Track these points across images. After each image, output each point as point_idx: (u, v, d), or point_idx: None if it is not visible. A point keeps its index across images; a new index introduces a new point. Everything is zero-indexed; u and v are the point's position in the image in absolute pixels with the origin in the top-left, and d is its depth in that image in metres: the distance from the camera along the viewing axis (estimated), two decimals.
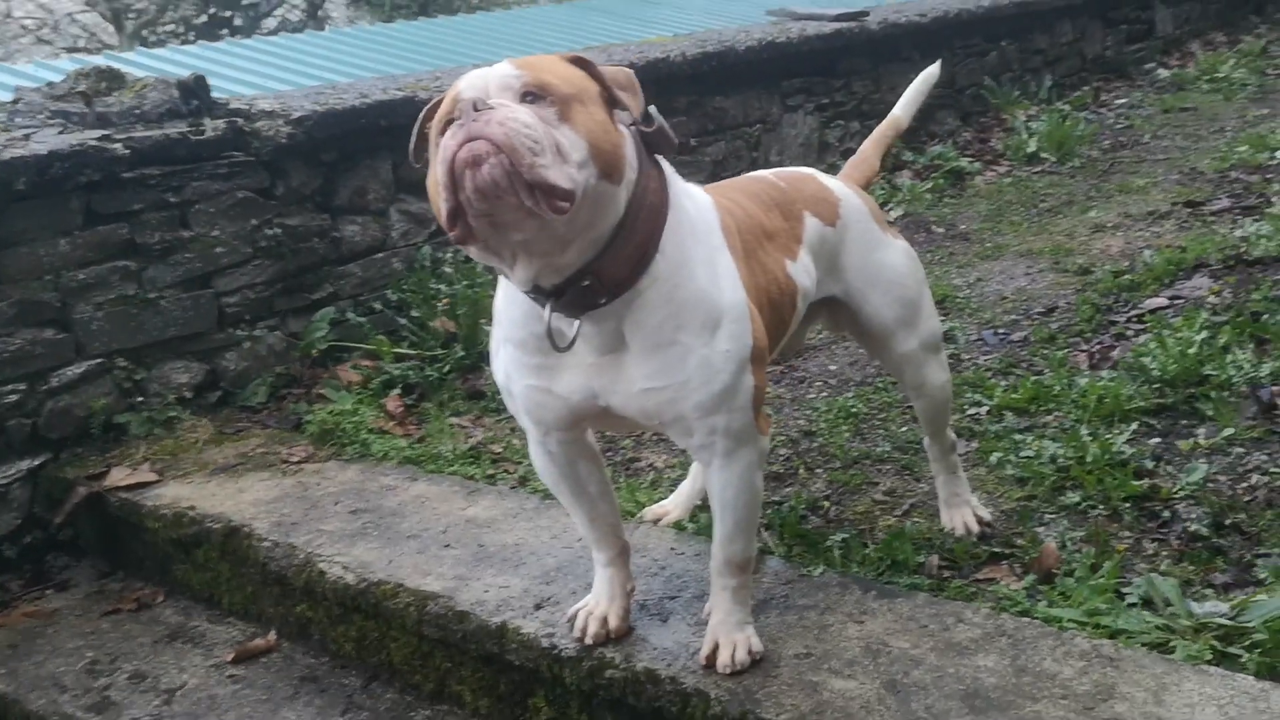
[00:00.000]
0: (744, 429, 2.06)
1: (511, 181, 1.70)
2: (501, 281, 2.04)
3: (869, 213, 2.55)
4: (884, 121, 2.89)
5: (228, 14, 18.02)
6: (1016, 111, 7.14)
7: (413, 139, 1.98)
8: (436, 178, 1.77)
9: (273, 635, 2.92)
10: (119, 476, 3.33)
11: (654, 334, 1.96)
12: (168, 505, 3.17)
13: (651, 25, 7.86)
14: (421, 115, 1.96)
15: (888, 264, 2.53)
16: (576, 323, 1.94)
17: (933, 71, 2.85)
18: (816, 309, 2.52)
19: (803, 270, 2.32)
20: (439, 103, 1.88)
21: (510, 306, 2.03)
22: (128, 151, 3.52)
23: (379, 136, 4.19)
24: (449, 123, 1.76)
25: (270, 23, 18.33)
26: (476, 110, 1.72)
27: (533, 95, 1.79)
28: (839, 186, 2.56)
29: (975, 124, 7.15)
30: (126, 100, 3.79)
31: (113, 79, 3.96)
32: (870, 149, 2.83)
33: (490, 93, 1.78)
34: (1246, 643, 2.12)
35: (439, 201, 1.78)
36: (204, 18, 17.64)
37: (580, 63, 1.89)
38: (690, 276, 1.97)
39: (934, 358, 2.62)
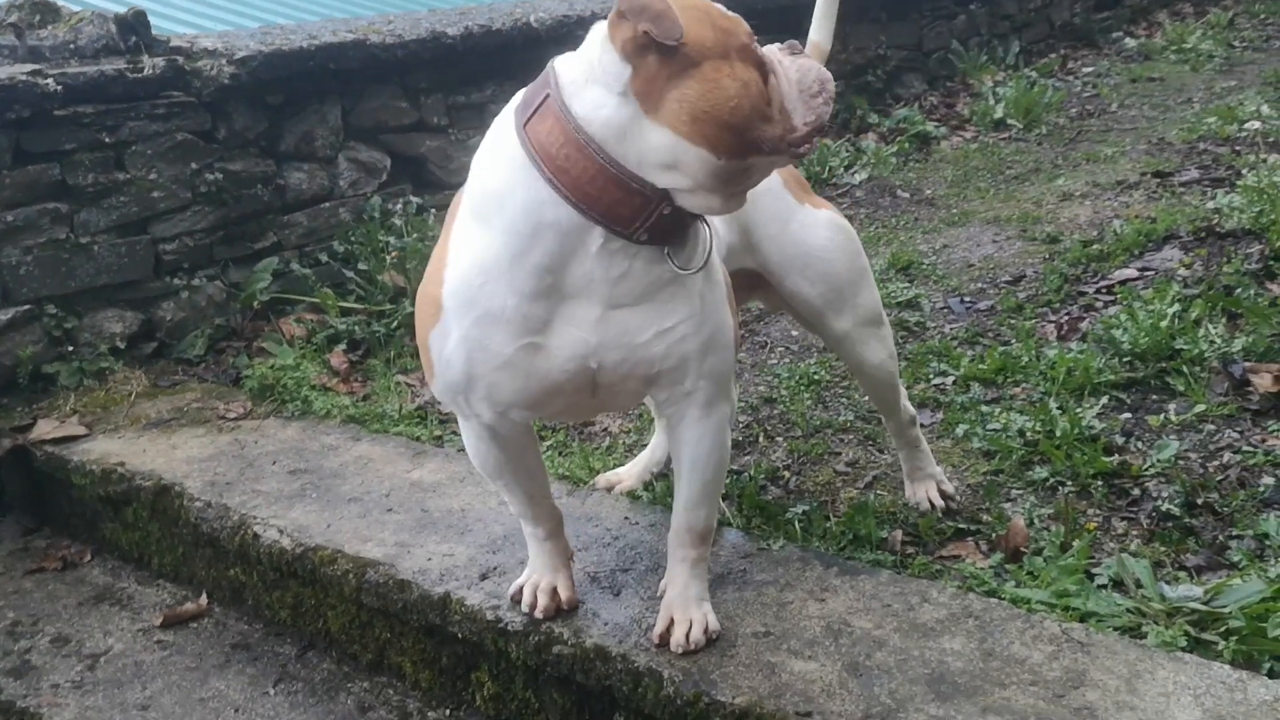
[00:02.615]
0: (727, 373, 2.02)
1: None
2: (483, 247, 1.84)
3: (782, 182, 2.34)
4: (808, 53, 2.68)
5: None
6: (984, 77, 7.04)
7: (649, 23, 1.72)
8: (795, 92, 1.81)
9: (204, 599, 2.79)
10: (46, 429, 3.18)
11: (666, 278, 1.86)
12: (96, 460, 3.01)
13: None
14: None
15: (808, 238, 2.34)
16: (625, 265, 1.82)
17: None
18: (744, 285, 2.36)
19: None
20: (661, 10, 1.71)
21: (527, 255, 1.80)
22: (60, 88, 3.34)
23: (328, 80, 4.02)
24: (738, 49, 1.77)
25: None
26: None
27: None
28: None
29: (942, 88, 7.05)
30: (61, 34, 3.60)
31: (47, 12, 3.76)
32: None
33: None
34: (1222, 629, 2.04)
35: (805, 114, 1.82)
36: None
37: None
38: None
39: (872, 335, 2.45)
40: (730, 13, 1.83)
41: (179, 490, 2.83)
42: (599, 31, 1.79)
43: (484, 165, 1.87)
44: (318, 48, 3.95)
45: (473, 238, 1.86)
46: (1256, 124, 5.42)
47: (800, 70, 1.83)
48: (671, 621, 2.08)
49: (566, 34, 4.32)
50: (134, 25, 3.66)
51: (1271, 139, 5.17)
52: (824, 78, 1.84)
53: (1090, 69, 7.60)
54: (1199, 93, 6.65)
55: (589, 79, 1.77)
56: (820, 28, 2.49)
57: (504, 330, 1.85)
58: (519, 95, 1.88)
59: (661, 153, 1.74)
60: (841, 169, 5.64)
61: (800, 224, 2.34)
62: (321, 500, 2.74)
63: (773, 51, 1.86)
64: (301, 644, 2.61)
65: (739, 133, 1.75)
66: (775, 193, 2.31)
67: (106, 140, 3.46)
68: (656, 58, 1.71)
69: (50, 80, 3.31)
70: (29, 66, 3.39)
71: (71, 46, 3.55)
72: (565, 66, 1.81)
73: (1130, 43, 8.23)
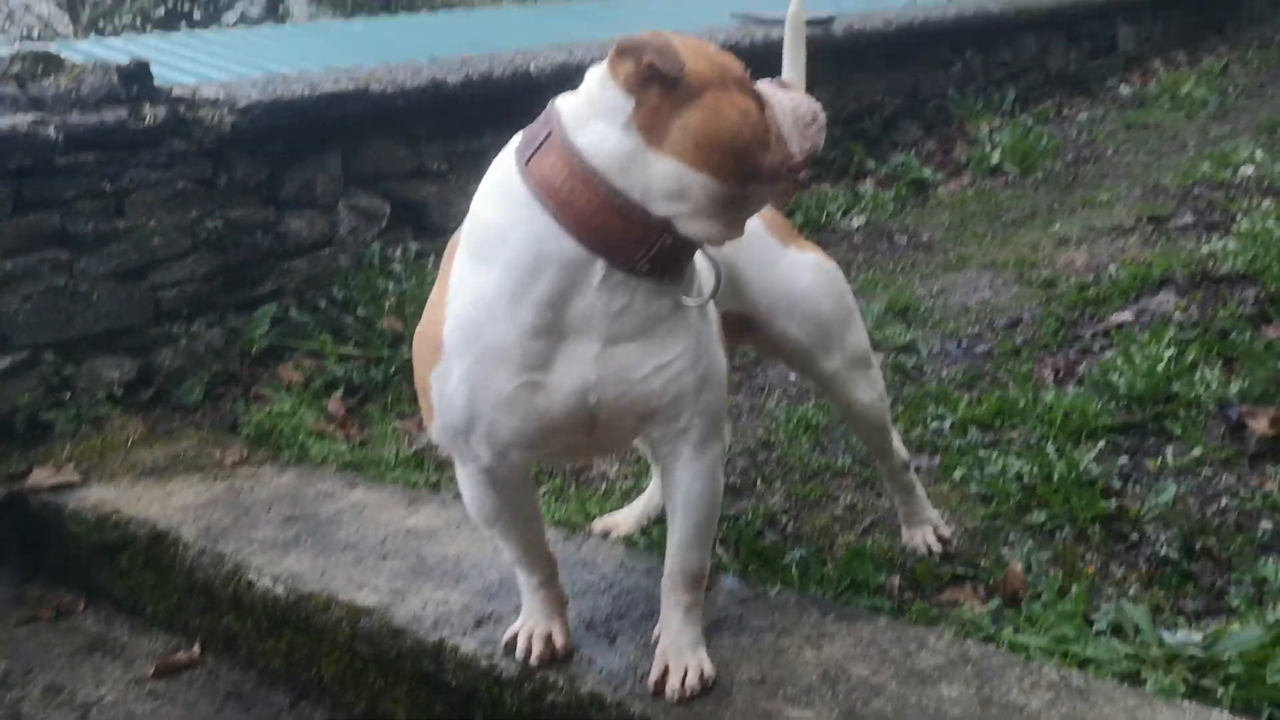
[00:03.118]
0: (721, 410, 2.03)
1: None
2: (481, 283, 1.85)
3: (765, 225, 2.35)
4: None
5: (186, 7, 17.78)
6: (980, 123, 7.08)
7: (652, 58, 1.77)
8: (791, 121, 1.87)
9: (197, 648, 2.76)
10: (41, 477, 3.17)
11: (667, 313, 1.90)
12: (91, 508, 3.01)
13: (614, 28, 7.74)
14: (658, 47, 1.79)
15: (794, 280, 2.36)
16: (626, 299, 1.84)
17: (795, 11, 2.49)
18: (733, 329, 2.33)
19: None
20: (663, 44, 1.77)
21: (529, 289, 1.81)
22: (61, 137, 3.37)
23: (329, 128, 4.05)
24: (735, 81, 1.83)
25: (230, 17, 18.10)
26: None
27: None
28: None
29: (938, 134, 7.09)
30: (63, 84, 3.63)
31: (50, 63, 3.81)
32: None
33: None
34: (1221, 675, 2.02)
35: (801, 142, 1.87)
36: (161, 10, 17.39)
37: None
38: None
39: (861, 376, 2.45)
40: (723, 51, 1.89)
41: (173, 537, 2.82)
42: (598, 70, 1.84)
43: (484, 204, 1.89)
44: (319, 97, 3.98)
45: (473, 276, 1.87)
46: (1250, 169, 5.44)
47: (794, 101, 1.90)
48: (666, 669, 2.06)
49: (565, 82, 4.30)
50: (136, 75, 3.68)
51: (1266, 184, 5.19)
52: (816, 109, 1.91)
53: (1085, 115, 7.65)
54: (1193, 139, 6.69)
55: (591, 115, 1.81)
56: (792, 68, 2.52)
57: (506, 367, 1.86)
58: (518, 136, 1.91)
59: (665, 181, 1.78)
60: (839, 214, 5.66)
61: (786, 266, 2.36)
62: (316, 547, 2.73)
63: (765, 85, 1.93)
64: (294, 693, 2.59)
65: (740, 158, 1.80)
66: (760, 236, 2.32)
67: (107, 188, 3.48)
68: (659, 90, 1.76)
69: (51, 129, 3.34)
70: (31, 116, 3.41)
71: (74, 96, 3.58)
72: (567, 104, 1.86)
73: (1125, 90, 8.28)
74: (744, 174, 1.82)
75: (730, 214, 1.87)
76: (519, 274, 1.82)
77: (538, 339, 1.85)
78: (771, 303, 2.35)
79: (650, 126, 1.78)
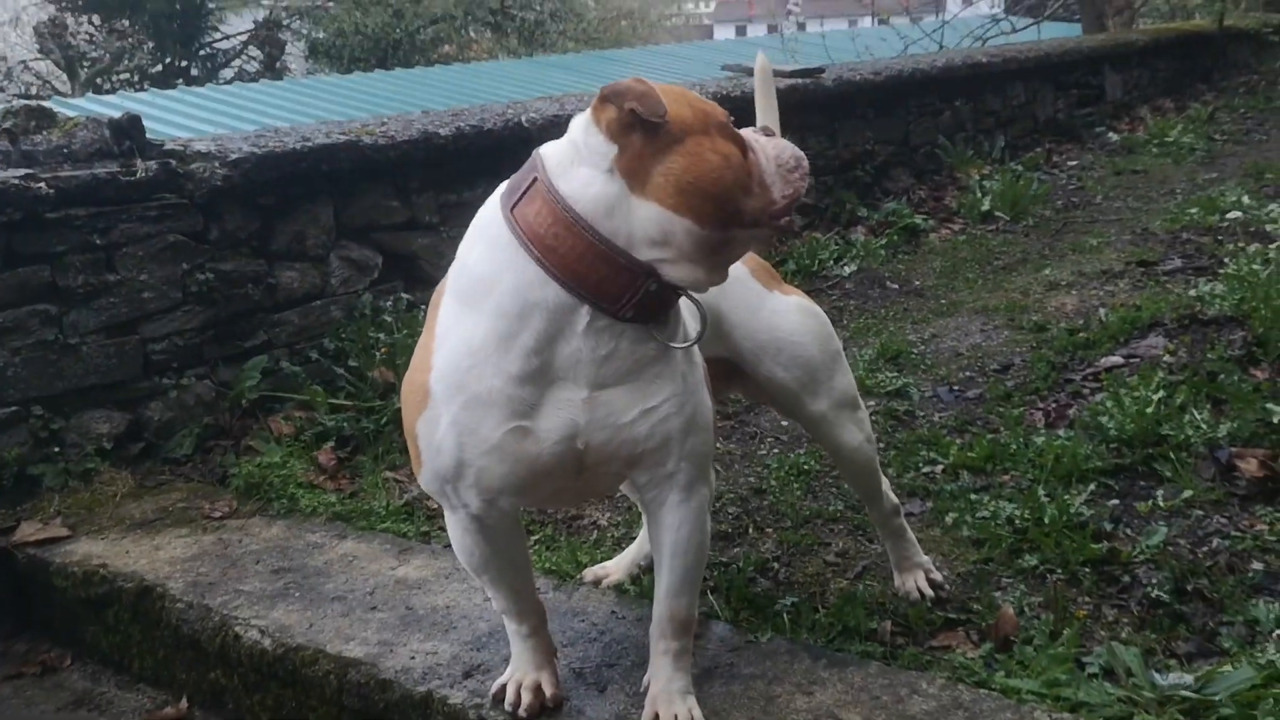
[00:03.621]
0: (707, 454, 2.03)
1: None
2: (469, 329, 1.86)
3: (749, 271, 2.38)
4: None
5: (184, 64, 17.93)
6: (970, 171, 7.14)
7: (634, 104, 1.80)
8: (773, 167, 1.91)
9: (184, 703, 2.73)
10: (29, 531, 3.15)
11: (652, 357, 1.90)
12: (78, 563, 2.99)
13: (608, 81, 7.82)
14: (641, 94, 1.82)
15: (778, 324, 2.37)
16: (612, 344, 1.86)
17: (763, 63, 2.58)
18: (721, 375, 2.37)
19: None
20: (645, 91, 1.80)
21: (517, 336, 1.83)
22: (52, 191, 3.38)
23: (320, 180, 4.07)
24: (718, 126, 1.86)
25: (228, 73, 18.26)
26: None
27: None
28: None
29: (929, 182, 7.14)
30: (55, 139, 3.65)
31: (42, 117, 3.82)
32: None
33: None
34: (1213, 717, 2.00)
35: (783, 188, 1.91)
36: (159, 67, 17.54)
37: None
38: None
39: (849, 418, 2.45)
40: (707, 99, 1.91)
41: (160, 591, 2.80)
42: (581, 118, 1.87)
43: (470, 251, 1.91)
44: (310, 149, 4.00)
45: (460, 322, 1.89)
46: (1238, 214, 5.49)
47: (777, 148, 1.93)
48: (656, 717, 2.05)
49: (557, 133, 4.31)
50: (128, 130, 3.70)
51: (1252, 228, 5.23)
52: (799, 155, 1.94)
53: (1075, 162, 7.72)
54: (1181, 184, 6.74)
55: (575, 161, 1.84)
56: (765, 116, 2.54)
57: (493, 414, 1.87)
58: (503, 185, 1.93)
59: (649, 225, 1.80)
60: (831, 261, 5.69)
61: (770, 310, 2.37)
62: (304, 599, 2.71)
63: (749, 132, 1.96)
64: None
65: (722, 203, 1.82)
66: (743, 281, 2.33)
67: (98, 242, 3.49)
68: (641, 135, 1.79)
69: (43, 184, 3.35)
70: (22, 171, 3.43)
71: (65, 151, 3.60)
72: (551, 151, 1.89)
73: (1114, 137, 8.36)
74: (726, 219, 1.84)
75: (714, 259, 1.88)
76: (506, 321, 1.84)
77: (525, 385, 1.85)
78: (757, 346, 2.36)
79: (633, 172, 1.80)
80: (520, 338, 1.83)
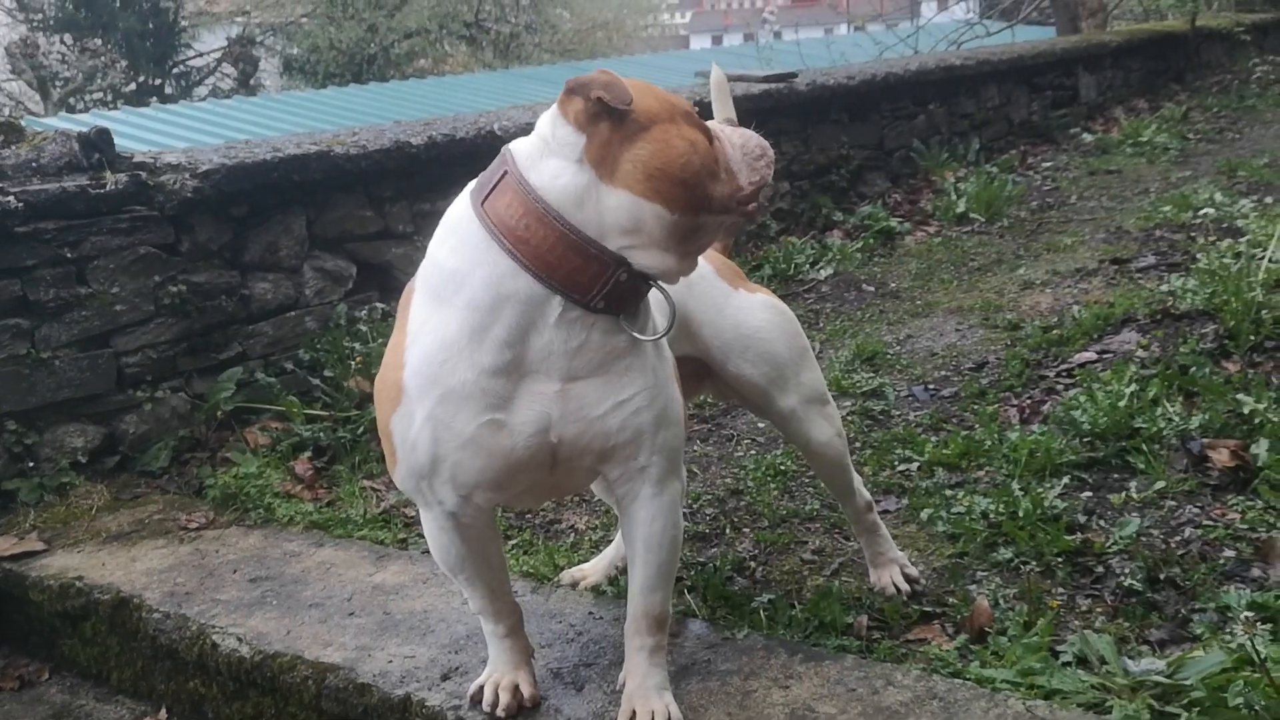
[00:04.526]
0: (677, 450, 2.05)
1: None
2: (442, 324, 1.87)
3: (714, 270, 2.39)
4: None
5: (157, 82, 17.87)
6: (945, 173, 7.17)
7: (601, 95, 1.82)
8: (739, 155, 1.94)
9: (163, 714, 2.73)
10: (3, 546, 3.14)
11: (623, 353, 1.92)
12: (54, 576, 2.97)
13: None
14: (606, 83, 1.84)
15: (745, 321, 2.39)
16: (583, 336, 1.87)
17: (717, 73, 2.56)
18: (691, 375, 2.38)
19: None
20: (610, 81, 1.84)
21: (489, 329, 1.84)
22: (21, 205, 3.37)
23: (292, 191, 4.06)
24: (684, 114, 1.89)
25: (202, 91, 18.21)
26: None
27: None
28: None
29: (904, 185, 7.17)
30: (23, 153, 3.64)
31: (11, 131, 3.82)
32: None
33: None
34: (1184, 701, 2.01)
35: (750, 175, 1.93)
36: (133, 86, 17.47)
37: None
38: None
39: (817, 412, 2.46)
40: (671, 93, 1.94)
41: (137, 602, 2.79)
42: (549, 113, 1.89)
43: (441, 248, 1.92)
44: (281, 159, 4.00)
45: (432, 318, 1.90)
46: (1210, 210, 5.52)
47: (743, 136, 1.98)
48: (633, 714, 2.05)
49: None
50: (97, 143, 3.70)
51: (1225, 224, 5.26)
52: (764, 144, 1.98)
53: (1049, 163, 7.75)
54: (1155, 183, 6.78)
55: (544, 154, 1.86)
56: (722, 114, 2.56)
57: (468, 407, 1.88)
58: (472, 182, 1.94)
59: (619, 213, 1.82)
60: (807, 265, 5.70)
61: (736, 308, 2.39)
62: (282, 607, 2.71)
63: (713, 123, 2.00)
64: None
65: (690, 188, 1.85)
66: (709, 280, 2.36)
67: (68, 255, 3.48)
68: (608, 124, 1.82)
69: (11, 198, 3.35)
70: None
71: (34, 165, 3.59)
72: (520, 146, 1.91)
73: (1088, 137, 8.40)
74: (696, 204, 1.87)
75: (684, 246, 1.90)
76: (478, 314, 1.85)
77: (498, 378, 1.87)
78: (724, 344, 2.37)
79: (602, 161, 1.82)
80: (493, 330, 1.85)
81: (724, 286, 2.40)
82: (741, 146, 1.96)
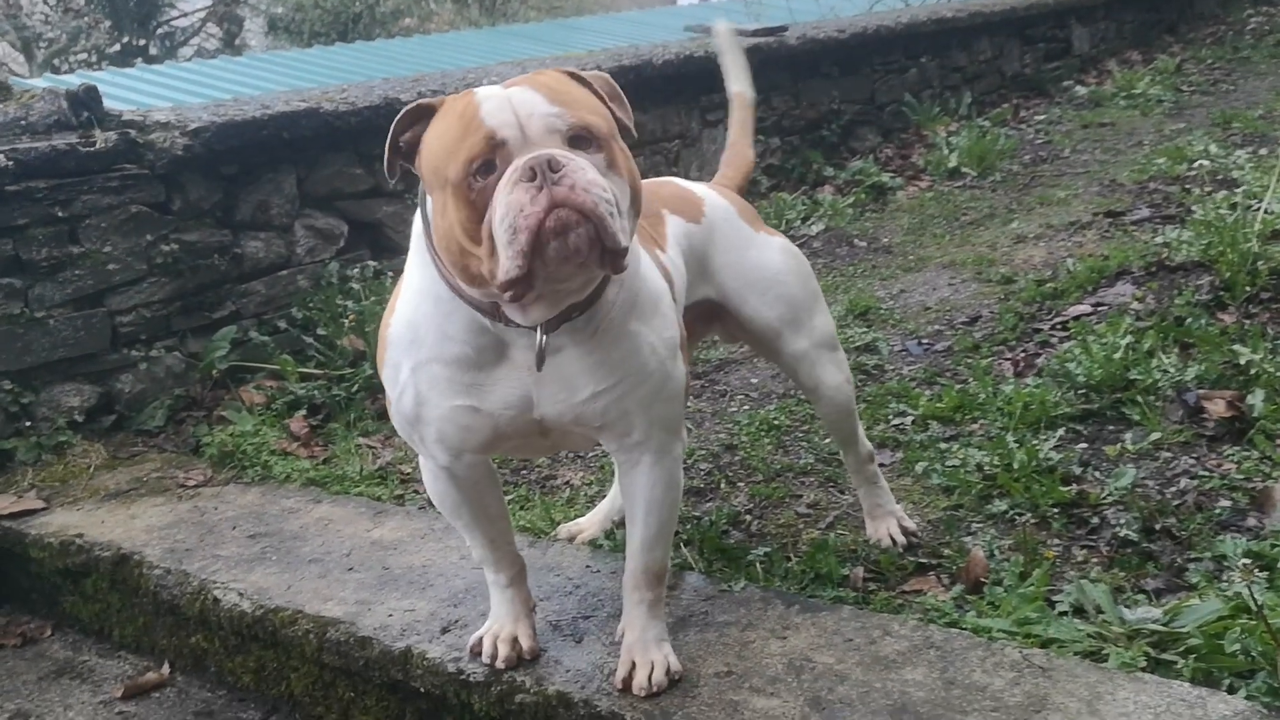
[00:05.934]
0: (677, 420, 2.04)
1: (592, 248, 1.63)
2: (416, 300, 1.89)
3: (736, 212, 2.43)
4: (734, 104, 2.69)
5: (141, 43, 17.68)
6: (937, 127, 7.14)
7: (386, 152, 1.81)
8: (497, 236, 1.63)
9: (166, 669, 2.74)
10: (3, 504, 3.14)
11: (609, 329, 1.88)
12: (54, 533, 2.98)
13: (570, 48, 7.77)
14: (398, 124, 1.79)
15: (764, 262, 2.40)
16: (542, 336, 1.81)
17: (723, 29, 2.54)
18: (702, 317, 2.40)
19: (671, 263, 2.18)
20: (422, 110, 1.77)
21: (445, 323, 1.85)
22: (11, 163, 3.35)
23: (282, 149, 4.04)
24: (485, 165, 1.65)
25: (186, 51, 18.02)
26: (553, 170, 1.61)
27: (580, 139, 1.68)
28: (700, 188, 2.46)
29: (896, 140, 7.14)
30: (12, 111, 3.61)
31: None
32: (738, 137, 2.68)
33: (533, 136, 1.65)
34: (1181, 648, 2.04)
35: (504, 262, 1.63)
36: (117, 47, 17.29)
37: (582, 81, 1.81)
38: (635, 266, 1.92)
39: (828, 357, 2.48)
40: (466, 135, 1.68)
41: (138, 559, 2.80)
42: None
43: (417, 221, 1.91)
44: (270, 117, 3.97)
45: (411, 277, 1.91)
46: (1205, 162, 5.51)
47: (507, 207, 1.63)
48: (633, 665, 2.07)
49: None
50: (85, 101, 3.67)
51: (1220, 176, 5.25)
52: (532, 219, 1.61)
53: (1042, 117, 7.72)
54: (1149, 135, 6.76)
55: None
56: (737, 79, 2.54)
57: (439, 388, 1.90)
58: None
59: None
60: (799, 221, 5.69)
61: (758, 249, 2.41)
62: (282, 562, 2.72)
63: (507, 177, 1.65)
64: (265, 709, 2.57)
65: (457, 265, 1.74)
66: (731, 222, 2.38)
67: (60, 214, 3.46)
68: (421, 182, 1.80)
69: (1, 156, 3.32)
70: None
71: (23, 123, 3.56)
72: None
73: (1081, 90, 8.36)
74: (469, 279, 1.75)
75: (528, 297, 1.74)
76: (442, 306, 1.85)
77: (466, 371, 1.88)
78: (744, 284, 2.38)
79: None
80: (450, 327, 1.85)
81: (746, 229, 2.42)
82: (501, 222, 1.63)
